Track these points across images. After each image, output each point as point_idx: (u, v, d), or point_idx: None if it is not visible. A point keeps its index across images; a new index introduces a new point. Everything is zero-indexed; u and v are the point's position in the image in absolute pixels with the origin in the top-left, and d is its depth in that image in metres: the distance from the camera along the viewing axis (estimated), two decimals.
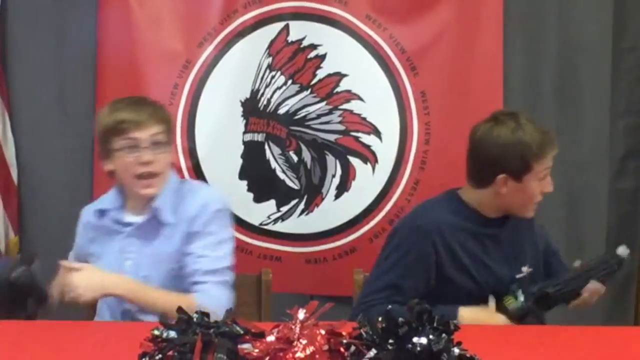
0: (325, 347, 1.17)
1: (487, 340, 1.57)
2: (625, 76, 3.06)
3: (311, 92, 2.94)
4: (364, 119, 2.94)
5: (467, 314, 1.96)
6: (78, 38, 2.96)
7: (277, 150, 2.96)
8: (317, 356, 1.16)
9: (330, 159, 2.96)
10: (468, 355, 1.22)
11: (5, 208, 2.92)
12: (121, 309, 2.05)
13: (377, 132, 2.94)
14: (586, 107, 3.01)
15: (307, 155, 2.96)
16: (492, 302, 2.03)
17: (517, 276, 2.06)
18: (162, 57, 2.93)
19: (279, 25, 2.92)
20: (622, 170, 3.10)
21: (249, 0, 2.92)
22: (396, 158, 2.93)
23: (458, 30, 2.91)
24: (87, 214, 2.18)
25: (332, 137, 2.95)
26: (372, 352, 1.18)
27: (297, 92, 2.94)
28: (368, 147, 2.94)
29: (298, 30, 2.92)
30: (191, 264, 2.01)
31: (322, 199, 2.96)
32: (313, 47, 2.93)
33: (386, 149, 2.94)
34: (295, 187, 2.97)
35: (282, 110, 2.95)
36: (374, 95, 2.93)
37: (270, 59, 2.93)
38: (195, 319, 1.23)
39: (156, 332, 1.21)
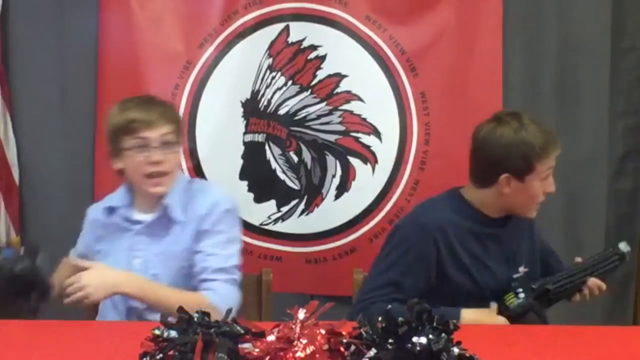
0: (325, 347, 1.18)
1: (487, 340, 1.58)
2: (624, 76, 3.06)
3: (311, 93, 2.94)
4: (364, 119, 2.94)
5: (469, 316, 1.96)
6: (79, 39, 2.96)
7: (277, 151, 2.97)
8: (317, 356, 1.16)
9: (330, 159, 2.96)
10: (467, 354, 1.22)
11: (7, 208, 2.92)
12: (126, 307, 2.03)
13: (377, 133, 2.94)
14: (585, 107, 3.01)
15: (307, 155, 2.97)
16: (493, 305, 2.03)
17: (514, 276, 2.07)
18: (163, 58, 2.93)
19: (280, 26, 2.93)
20: (621, 170, 3.10)
21: (249, 1, 2.93)
22: (396, 158, 2.94)
23: (458, 30, 2.91)
24: (95, 211, 2.17)
25: (332, 138, 2.96)
26: (372, 352, 1.19)
27: (298, 93, 2.94)
28: (368, 147, 2.95)
29: (298, 31, 2.93)
30: (200, 261, 2.01)
31: (322, 199, 2.96)
32: (313, 48, 2.93)
33: (386, 150, 2.94)
34: (296, 188, 2.97)
35: (282, 111, 2.95)
36: (373, 96, 2.94)
37: (270, 60, 2.93)
38: (195, 319, 1.23)
39: (157, 332, 1.22)
